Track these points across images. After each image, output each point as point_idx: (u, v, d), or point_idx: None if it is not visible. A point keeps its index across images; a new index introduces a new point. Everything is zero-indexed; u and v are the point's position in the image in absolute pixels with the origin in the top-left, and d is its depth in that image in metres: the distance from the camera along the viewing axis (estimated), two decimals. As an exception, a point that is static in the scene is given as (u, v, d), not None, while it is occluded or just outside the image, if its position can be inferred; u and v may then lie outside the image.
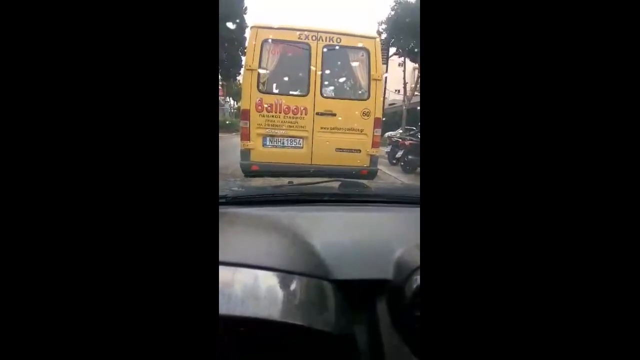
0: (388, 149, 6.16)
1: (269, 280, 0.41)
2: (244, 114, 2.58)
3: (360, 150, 2.65)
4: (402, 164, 5.40)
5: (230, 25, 13.92)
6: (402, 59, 13.67)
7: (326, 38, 2.62)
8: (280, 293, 0.41)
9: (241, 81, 2.89)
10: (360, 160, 2.65)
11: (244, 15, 15.71)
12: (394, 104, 17.41)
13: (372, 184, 0.88)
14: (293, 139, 2.60)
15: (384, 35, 12.95)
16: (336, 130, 2.61)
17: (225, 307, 0.34)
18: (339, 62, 2.78)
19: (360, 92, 2.72)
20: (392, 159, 5.87)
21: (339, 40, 2.63)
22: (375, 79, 2.62)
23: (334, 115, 2.59)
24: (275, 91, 2.72)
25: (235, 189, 0.74)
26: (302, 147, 2.61)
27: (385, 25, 12.87)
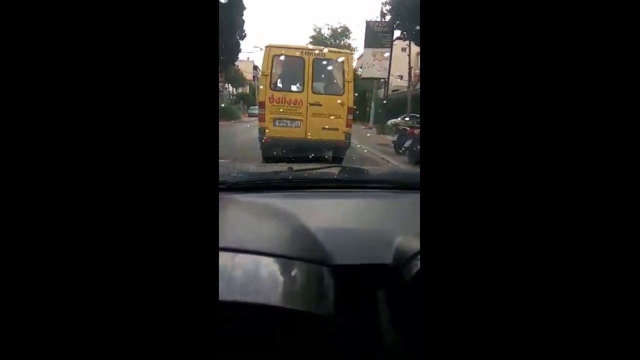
0: (394, 137, 6.04)
1: (268, 266, 0.43)
2: (261, 105, 4.18)
3: (338, 129, 4.22)
4: (409, 153, 5.13)
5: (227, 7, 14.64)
6: (407, 42, 13.23)
7: (315, 53, 4.17)
8: (279, 278, 0.43)
9: (257, 83, 4.45)
10: (338, 135, 4.22)
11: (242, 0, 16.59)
12: (397, 90, 16.84)
13: (372, 170, 0.93)
14: (293, 120, 4.19)
15: (387, 17, 12.67)
16: (322, 115, 4.19)
17: (224, 292, 0.35)
18: (324, 69, 4.34)
19: (337, 89, 4.28)
20: (399, 148, 5.69)
21: (324, 55, 4.19)
22: (348, 81, 4.17)
23: (321, 105, 4.17)
24: (282, 89, 4.27)
25: (235, 174, 0.75)
26: (299, 126, 4.21)
27: (390, 7, 12.50)
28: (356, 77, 18.25)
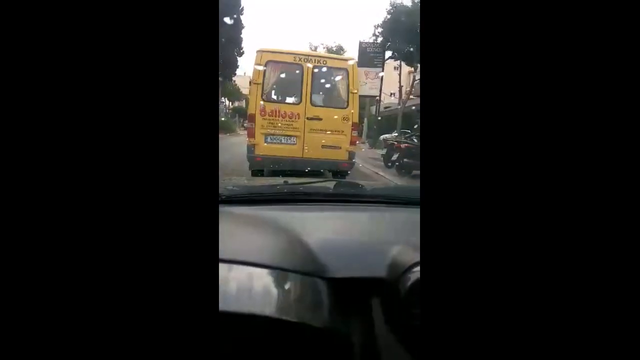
0: (383, 151, 6.41)
1: (263, 278, 0.43)
2: (251, 118, 3.59)
3: (340, 147, 3.65)
4: (397, 165, 5.59)
5: (227, 21, 14.82)
6: (398, 62, 14.68)
7: (315, 60, 3.65)
8: (274, 290, 0.43)
9: (248, 92, 3.89)
10: (340, 155, 3.64)
11: (241, 16, 16.69)
12: (389, 107, 17.69)
13: (367, 185, 0.94)
14: (288, 137, 3.60)
15: (380, 39, 13.97)
16: (322, 131, 3.61)
17: (220, 304, 0.35)
18: (325, 79, 3.81)
19: (340, 102, 3.74)
20: (388, 162, 6.06)
21: (325, 62, 3.67)
22: (353, 93, 3.63)
23: (321, 119, 3.60)
24: (275, 100, 3.72)
25: (231, 188, 0.77)
26: (295, 144, 3.61)
27: (382, 29, 13.79)
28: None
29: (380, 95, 14.32)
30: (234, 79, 24.74)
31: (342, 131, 3.64)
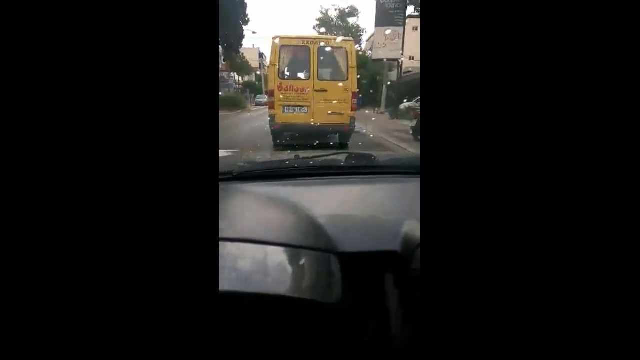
0: (412, 123, 5.98)
1: (275, 255, 0.46)
2: (270, 93, 4.83)
3: (343, 113, 4.86)
4: None
5: None
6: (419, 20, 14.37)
7: (319, 42, 4.84)
8: (286, 268, 0.46)
9: (266, 72, 5.19)
10: (343, 119, 4.84)
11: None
12: (409, 71, 16.72)
13: (379, 155, 0.97)
14: (301, 107, 4.82)
15: None
16: (328, 101, 4.80)
17: (231, 283, 0.37)
18: (328, 57, 4.95)
19: (341, 75, 4.88)
20: (419, 134, 5.88)
21: (327, 43, 4.86)
22: (352, 67, 4.79)
23: (326, 91, 4.80)
24: (289, 77, 5.01)
25: (242, 164, 0.80)
26: (307, 112, 4.84)
27: None
28: (367, 61, 18.61)
29: (401, 58, 13.20)
30: (242, 51, 25.43)
31: (344, 100, 4.79)
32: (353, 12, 24.80)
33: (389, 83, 15.22)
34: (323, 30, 24.57)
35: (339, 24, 24.88)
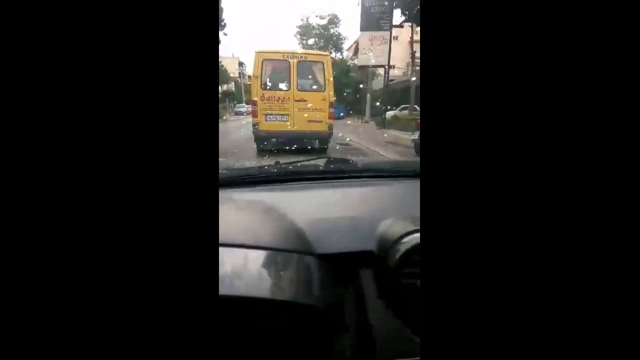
0: (414, 135, 5.68)
1: (254, 259, 0.48)
2: (254, 103, 5.38)
3: (322, 121, 5.52)
4: None
5: None
6: (399, 29, 13.89)
7: (298, 56, 5.49)
8: (265, 270, 0.48)
9: (250, 83, 5.85)
10: (322, 127, 5.44)
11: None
12: (392, 80, 16.16)
13: (358, 160, 1.01)
14: (282, 115, 5.39)
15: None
16: (307, 110, 5.40)
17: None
18: (307, 70, 5.58)
19: (319, 87, 5.52)
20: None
21: (305, 57, 5.52)
22: (328, 79, 5.45)
23: (305, 101, 5.42)
24: (271, 87, 5.64)
25: (221, 171, 0.80)
26: (287, 121, 5.43)
27: None
28: (349, 70, 19.38)
29: (388, 64, 12.87)
30: (220, 60, 26.09)
31: (322, 109, 5.41)
32: (334, 19, 25.44)
33: (375, 91, 15.23)
34: (307, 39, 25.01)
35: (320, 31, 25.56)
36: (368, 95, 14.75)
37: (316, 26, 25.43)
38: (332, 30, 25.39)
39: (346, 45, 26.74)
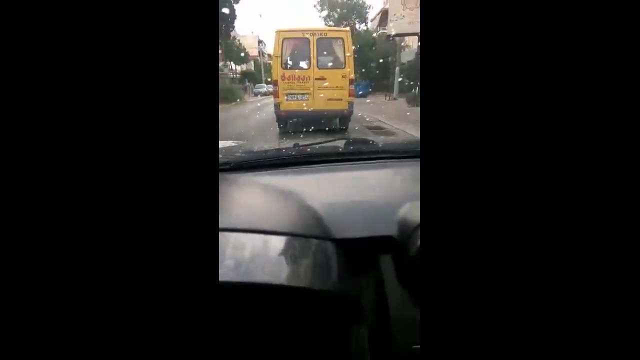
0: None
1: (273, 244, 0.49)
2: (275, 83, 5.60)
3: (342, 99, 5.65)
4: None
5: None
6: None
7: (318, 33, 5.62)
8: (283, 257, 0.48)
9: (267, 60, 6.08)
10: (342, 105, 5.60)
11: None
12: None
13: (378, 140, 1.01)
14: (302, 94, 5.58)
15: None
16: (327, 88, 5.53)
17: (230, 273, 0.40)
18: (326, 47, 5.68)
19: (339, 64, 5.63)
20: None
21: (325, 34, 5.64)
22: (348, 55, 5.52)
23: (325, 79, 5.58)
24: (291, 67, 5.78)
25: (239, 154, 0.86)
26: (308, 99, 5.61)
27: None
28: (373, 42, 18.62)
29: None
30: (238, 38, 25.43)
31: (342, 86, 5.55)
32: None
33: (404, 63, 13.81)
34: (325, 11, 23.75)
35: (342, 0, 24.31)
36: (397, 68, 13.49)
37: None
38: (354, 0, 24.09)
39: (371, 14, 25.40)
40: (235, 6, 17.27)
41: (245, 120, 7.63)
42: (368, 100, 12.69)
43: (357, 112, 6.20)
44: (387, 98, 13.58)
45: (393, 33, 13.17)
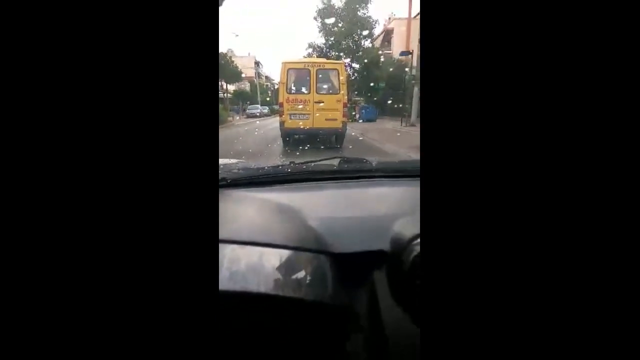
0: None
1: (269, 257, 0.53)
2: (281, 104, 7.13)
3: (336, 119, 7.18)
4: None
5: None
6: None
7: (317, 65, 7.35)
8: (279, 268, 0.52)
9: (263, 82, 7.94)
10: (337, 124, 7.14)
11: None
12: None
13: (372, 159, 1.09)
14: (303, 115, 7.10)
15: None
16: (324, 109, 7.08)
17: (227, 284, 0.43)
18: (324, 76, 7.30)
19: (334, 90, 7.24)
20: None
21: (323, 66, 7.33)
22: (342, 83, 7.13)
23: (323, 102, 7.12)
24: (294, 92, 7.48)
25: (236, 171, 0.93)
26: (308, 119, 7.15)
27: None
28: (378, 60, 19.40)
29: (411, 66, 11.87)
30: (234, 59, 25.27)
31: (337, 109, 7.12)
32: (362, 1, 22.56)
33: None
34: (330, 20, 22.03)
35: (345, 14, 22.62)
36: (415, 89, 12.19)
37: (340, 8, 22.70)
38: (359, 13, 21.97)
39: (377, 30, 24.31)
40: (235, 28, 18.92)
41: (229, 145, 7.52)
42: (387, 126, 11.53)
43: (367, 139, 6.50)
44: (404, 124, 12.34)
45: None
